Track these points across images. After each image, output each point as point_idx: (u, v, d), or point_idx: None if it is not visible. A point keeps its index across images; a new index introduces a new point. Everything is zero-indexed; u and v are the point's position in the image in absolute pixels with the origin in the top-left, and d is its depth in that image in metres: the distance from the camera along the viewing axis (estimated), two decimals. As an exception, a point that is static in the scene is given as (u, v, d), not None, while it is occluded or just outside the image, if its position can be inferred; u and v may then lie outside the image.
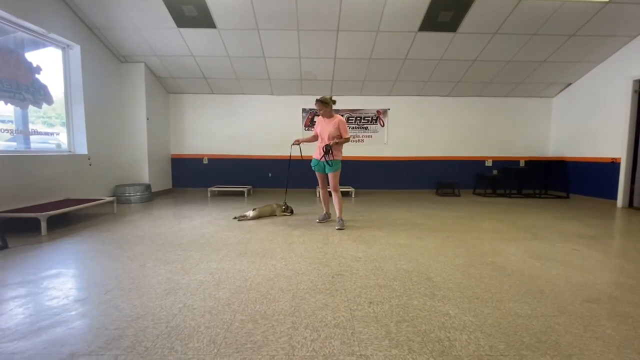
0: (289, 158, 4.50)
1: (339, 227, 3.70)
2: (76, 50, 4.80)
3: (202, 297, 1.92)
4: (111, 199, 4.48)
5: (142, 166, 6.00)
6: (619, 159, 5.36)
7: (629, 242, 3.26)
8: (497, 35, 5.01)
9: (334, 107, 3.92)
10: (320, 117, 3.97)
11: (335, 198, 3.84)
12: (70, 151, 4.88)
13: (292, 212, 4.60)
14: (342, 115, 6.87)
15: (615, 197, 5.42)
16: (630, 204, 5.24)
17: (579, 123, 6.26)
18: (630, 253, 2.87)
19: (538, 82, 6.32)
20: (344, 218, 3.87)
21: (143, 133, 5.94)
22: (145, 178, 6.00)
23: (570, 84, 6.43)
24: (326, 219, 4.10)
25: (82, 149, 4.94)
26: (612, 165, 5.49)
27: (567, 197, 6.32)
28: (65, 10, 4.54)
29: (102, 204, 4.35)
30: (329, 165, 3.77)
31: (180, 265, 2.46)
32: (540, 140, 7.04)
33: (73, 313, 1.74)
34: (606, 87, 5.65)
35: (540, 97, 6.90)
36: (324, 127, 3.82)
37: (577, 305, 1.87)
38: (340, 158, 3.81)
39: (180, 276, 2.25)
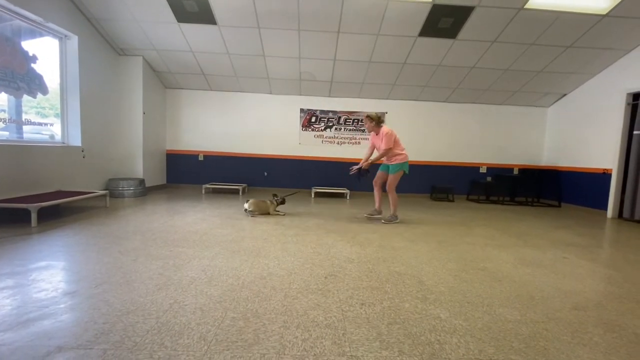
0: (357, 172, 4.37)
1: (384, 221, 4.17)
2: (74, 40, 4.75)
3: (194, 294, 1.91)
4: (104, 192, 4.43)
5: (136, 161, 5.94)
6: (611, 170, 5.45)
7: (618, 251, 3.31)
8: (496, 44, 5.07)
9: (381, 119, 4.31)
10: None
11: (389, 197, 4.25)
12: (63, 143, 4.82)
13: (283, 201, 4.53)
14: (340, 118, 6.91)
15: (605, 208, 5.51)
16: (620, 214, 5.33)
17: (572, 133, 6.36)
18: (619, 263, 2.92)
19: (534, 91, 6.40)
20: (398, 216, 4.30)
21: (139, 127, 5.89)
22: (140, 173, 5.94)
23: (565, 94, 6.52)
24: (374, 215, 4.40)
25: (76, 140, 4.88)
26: (604, 176, 5.58)
27: (559, 205, 6.40)
28: (65, 0, 4.49)
29: (94, 197, 4.30)
30: (390, 168, 4.24)
31: (172, 261, 2.44)
32: (534, 148, 7.12)
33: (62, 306, 1.72)
34: (600, 99, 5.74)
35: (536, 106, 6.99)
36: (376, 141, 4.31)
37: (565, 312, 1.89)
38: (400, 161, 4.17)
39: (172, 272, 2.23)
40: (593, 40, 4.92)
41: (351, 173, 4.34)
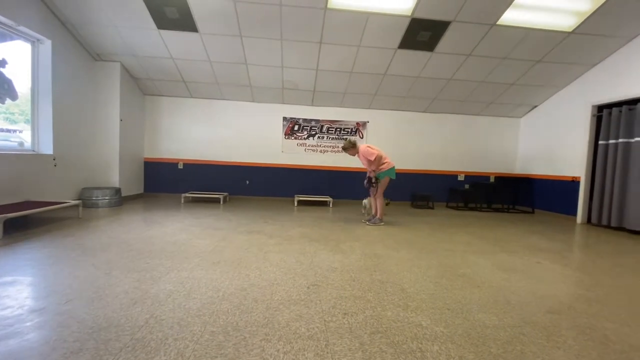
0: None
1: (369, 222, 4.64)
2: (47, 45, 4.58)
3: (171, 308, 1.85)
4: (76, 202, 4.24)
5: (112, 169, 5.74)
6: (579, 177, 5.74)
7: (587, 256, 3.47)
8: (471, 57, 5.29)
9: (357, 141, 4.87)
10: None
11: (377, 202, 4.70)
12: (34, 150, 4.60)
13: (388, 204, 5.20)
14: (322, 126, 6.97)
15: (575, 213, 5.78)
16: (589, 220, 5.60)
17: (543, 143, 6.67)
18: (588, 266, 3.05)
19: (507, 102, 6.69)
20: (383, 219, 4.71)
21: (115, 135, 5.71)
22: (115, 181, 5.74)
23: (536, 106, 6.85)
24: (371, 219, 4.74)
25: (47, 148, 4.67)
26: (573, 184, 5.87)
27: (533, 212, 6.65)
28: (37, 3, 4.34)
29: (66, 207, 4.11)
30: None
31: (149, 274, 2.35)
32: (508, 157, 7.42)
33: (28, 324, 1.62)
34: (568, 110, 6.07)
35: (509, 117, 7.30)
36: (361, 159, 4.71)
37: (540, 316, 1.96)
38: (385, 169, 4.55)
39: (148, 285, 2.15)
40: (560, 56, 5.22)
41: (366, 186, 4.81)
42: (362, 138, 7.05)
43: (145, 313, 1.77)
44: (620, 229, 5.06)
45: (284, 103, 6.83)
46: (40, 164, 4.51)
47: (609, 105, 5.31)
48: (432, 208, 6.74)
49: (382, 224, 4.66)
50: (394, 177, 4.63)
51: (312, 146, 7.00)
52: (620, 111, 5.04)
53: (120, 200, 5.48)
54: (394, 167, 4.63)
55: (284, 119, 6.90)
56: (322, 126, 6.98)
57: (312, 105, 6.88)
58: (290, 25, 4.67)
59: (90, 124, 5.54)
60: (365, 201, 5.22)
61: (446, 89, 6.20)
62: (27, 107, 4.55)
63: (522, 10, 4.34)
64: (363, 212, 5.32)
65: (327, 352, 1.48)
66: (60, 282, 2.17)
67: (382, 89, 6.23)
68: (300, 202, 6.58)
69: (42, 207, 3.72)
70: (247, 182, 6.92)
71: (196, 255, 2.84)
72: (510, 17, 4.44)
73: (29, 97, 4.55)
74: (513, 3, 4.20)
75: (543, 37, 4.80)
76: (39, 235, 3.31)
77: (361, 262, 2.87)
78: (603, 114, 5.34)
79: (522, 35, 4.78)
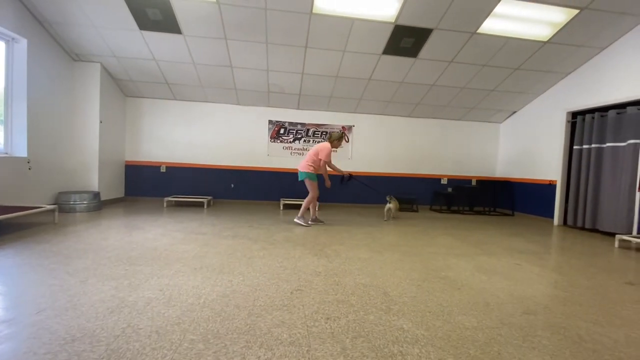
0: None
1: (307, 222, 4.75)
2: (22, 44, 4.43)
3: (150, 316, 1.80)
4: (52, 207, 4.09)
5: (91, 172, 5.58)
6: (555, 181, 5.95)
7: (563, 257, 3.59)
8: (453, 64, 5.42)
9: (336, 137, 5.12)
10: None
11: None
12: (6, 153, 4.42)
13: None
14: (308, 130, 6.98)
15: (552, 216, 5.98)
16: (565, 222, 5.80)
17: (522, 147, 6.89)
18: (563, 267, 3.16)
19: (488, 108, 6.88)
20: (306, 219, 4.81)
21: (94, 137, 5.55)
22: (95, 185, 5.57)
23: (515, 111, 7.07)
24: (315, 221, 4.91)
25: (21, 151, 4.50)
26: (550, 187, 6.08)
27: (513, 214, 6.84)
28: (13, 1, 4.19)
29: (41, 212, 3.96)
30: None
31: (127, 281, 2.29)
32: (489, 161, 7.62)
33: (-5, 337, 1.54)
34: (545, 116, 6.29)
35: (490, 122, 7.51)
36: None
37: (517, 317, 2.01)
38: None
39: (126, 293, 2.09)
40: (537, 64, 5.42)
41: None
42: (347, 142, 7.10)
43: (122, 322, 1.72)
44: (594, 230, 5.27)
45: (270, 106, 6.81)
46: (13, 167, 4.34)
47: (583, 112, 5.54)
48: (417, 211, 6.84)
49: (309, 224, 4.75)
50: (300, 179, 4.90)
51: (298, 149, 6.99)
52: (593, 118, 5.26)
53: (99, 205, 5.32)
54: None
55: (270, 122, 6.88)
56: (308, 130, 6.99)
57: (298, 108, 6.89)
58: (275, 29, 4.67)
59: (68, 126, 5.37)
60: (389, 205, 5.53)
61: (429, 94, 6.32)
62: (1, 108, 4.38)
63: (501, 19, 4.49)
64: (388, 215, 5.64)
65: (309, 358, 1.48)
66: (32, 291, 2.08)
67: (367, 93, 6.30)
68: (286, 206, 6.55)
69: (16, 212, 3.57)
70: (232, 185, 6.84)
71: (178, 261, 2.79)
72: (489, 26, 4.58)
73: (3, 98, 4.38)
74: (492, 13, 4.34)
75: (520, 45, 4.97)
76: (11, 242, 3.17)
77: (345, 266, 2.88)
78: (577, 120, 5.57)
79: (500, 44, 4.94)
